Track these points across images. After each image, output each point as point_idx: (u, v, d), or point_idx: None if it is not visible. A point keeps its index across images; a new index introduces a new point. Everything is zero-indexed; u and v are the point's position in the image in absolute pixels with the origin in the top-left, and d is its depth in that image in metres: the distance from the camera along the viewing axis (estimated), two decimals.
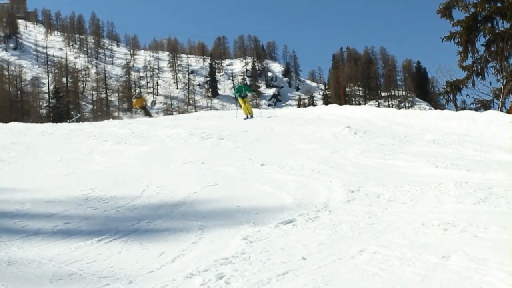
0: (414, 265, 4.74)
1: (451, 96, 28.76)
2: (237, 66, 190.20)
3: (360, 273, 4.64)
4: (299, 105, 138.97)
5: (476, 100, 28.42)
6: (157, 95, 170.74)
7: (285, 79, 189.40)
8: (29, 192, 9.30)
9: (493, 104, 27.95)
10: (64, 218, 7.32)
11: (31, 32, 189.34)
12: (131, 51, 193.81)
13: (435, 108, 42.69)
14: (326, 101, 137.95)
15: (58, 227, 6.87)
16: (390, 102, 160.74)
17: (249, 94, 28.80)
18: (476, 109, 26.47)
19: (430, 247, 5.21)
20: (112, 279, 4.89)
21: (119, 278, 4.90)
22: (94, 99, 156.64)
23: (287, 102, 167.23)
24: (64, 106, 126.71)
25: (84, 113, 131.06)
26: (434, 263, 4.74)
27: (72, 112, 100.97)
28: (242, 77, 37.42)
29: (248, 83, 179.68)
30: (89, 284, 4.77)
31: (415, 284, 4.34)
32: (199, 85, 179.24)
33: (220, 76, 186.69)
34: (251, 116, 25.80)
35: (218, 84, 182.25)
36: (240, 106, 27.35)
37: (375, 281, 4.45)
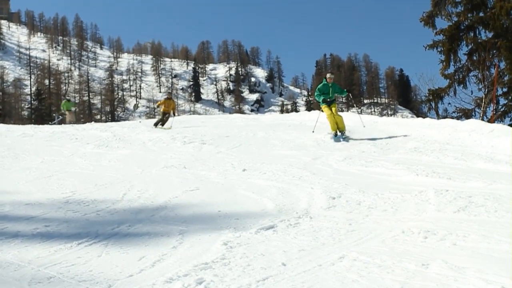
0: (393, 272, 4.75)
1: (433, 104, 28.94)
2: (221, 70, 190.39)
3: (340, 280, 4.65)
4: (282, 111, 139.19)
5: (458, 108, 28.63)
6: (140, 98, 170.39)
7: (268, 84, 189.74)
8: (9, 194, 9.24)
9: (475, 113, 28.16)
10: (44, 221, 7.28)
11: (14, 33, 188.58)
12: (115, 54, 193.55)
13: (417, 116, 42.89)
14: (309, 107, 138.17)
15: (38, 229, 6.82)
16: (372, 110, 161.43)
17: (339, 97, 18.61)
18: (457, 118, 26.66)
19: (410, 255, 5.23)
20: (91, 282, 4.86)
21: (98, 282, 4.88)
22: (76, 101, 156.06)
23: (270, 108, 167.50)
24: (46, 108, 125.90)
25: (65, 115, 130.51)
26: (414, 271, 4.76)
27: (54, 114, 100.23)
28: (330, 72, 25.51)
29: (232, 88, 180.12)
30: None
31: None
32: (182, 89, 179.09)
33: (204, 80, 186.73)
34: (343, 135, 16.49)
35: (201, 88, 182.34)
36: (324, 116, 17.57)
37: None
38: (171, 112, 27.79)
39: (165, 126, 26.61)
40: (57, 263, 5.44)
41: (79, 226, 7.05)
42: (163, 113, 27.62)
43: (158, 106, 29.14)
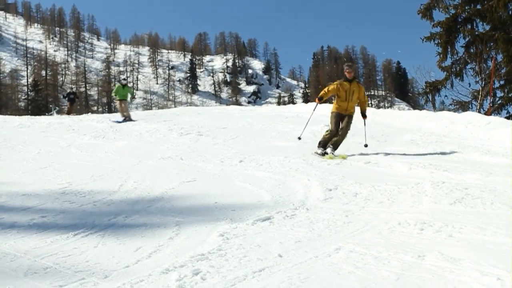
0: (389, 264, 4.76)
1: (430, 97, 28.97)
2: (218, 62, 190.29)
3: (336, 271, 4.65)
4: (278, 103, 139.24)
5: (455, 101, 28.68)
6: (137, 90, 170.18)
7: (265, 76, 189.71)
8: (5, 185, 9.23)
9: (471, 106, 28.20)
10: (41, 212, 7.27)
11: (11, 24, 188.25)
12: (112, 45, 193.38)
13: (414, 109, 42.92)
14: (306, 99, 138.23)
15: (34, 220, 6.82)
16: (369, 102, 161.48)
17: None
18: (454, 110, 26.69)
19: (406, 246, 5.24)
20: (88, 273, 4.86)
21: (94, 272, 4.87)
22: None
23: (267, 100, 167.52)
24: (43, 99, 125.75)
25: (63, 107, 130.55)
26: (410, 262, 4.77)
27: (50, 105, 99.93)
28: None
29: (229, 80, 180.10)
30: (64, 278, 4.74)
31: (390, 282, 4.35)
32: (179, 80, 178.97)
33: (201, 72, 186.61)
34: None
35: (198, 80, 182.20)
36: None
37: (350, 279, 4.46)
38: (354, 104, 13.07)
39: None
40: (53, 253, 5.44)
41: (76, 217, 7.04)
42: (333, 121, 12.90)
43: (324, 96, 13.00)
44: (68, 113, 33.24)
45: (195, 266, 4.88)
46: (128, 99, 26.69)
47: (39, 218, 6.92)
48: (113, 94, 26.65)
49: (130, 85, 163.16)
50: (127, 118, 24.22)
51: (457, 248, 5.14)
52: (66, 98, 36.98)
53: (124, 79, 29.92)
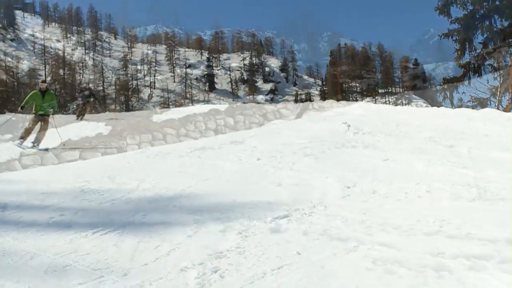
0: (408, 261, 4.74)
1: (448, 94, 28.83)
2: (235, 60, 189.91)
3: (355, 269, 4.64)
4: (296, 101, 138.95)
5: (473, 98, 28.50)
6: (154, 88, 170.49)
7: (282, 74, 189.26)
8: (25, 183, 9.28)
9: (490, 102, 28.02)
10: (60, 210, 7.31)
11: (29, 24, 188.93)
12: (129, 44, 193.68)
13: (432, 106, 42.72)
14: (323, 97, 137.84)
15: (54, 218, 6.85)
16: (387, 99, 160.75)
17: None
18: (472, 107, 26.54)
19: (425, 244, 5.21)
20: (107, 271, 4.88)
21: (113, 270, 4.90)
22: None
23: (284, 97, 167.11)
24: (61, 97, 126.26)
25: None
26: (429, 260, 4.75)
27: (68, 104, 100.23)
28: None
29: (246, 78, 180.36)
30: (84, 276, 4.76)
31: (409, 280, 4.34)
32: (196, 79, 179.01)
33: (218, 70, 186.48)
34: None
35: (215, 78, 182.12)
36: None
37: (369, 277, 4.45)
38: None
39: None
40: (72, 251, 5.47)
41: (94, 215, 7.07)
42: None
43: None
44: (78, 115, 27.25)
45: (213, 263, 4.89)
46: (50, 114, 17.56)
47: (58, 217, 6.96)
48: (22, 104, 17.52)
49: (147, 83, 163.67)
50: (35, 143, 16.27)
51: (477, 246, 5.11)
52: (80, 98, 30.22)
53: (44, 81, 18.84)
